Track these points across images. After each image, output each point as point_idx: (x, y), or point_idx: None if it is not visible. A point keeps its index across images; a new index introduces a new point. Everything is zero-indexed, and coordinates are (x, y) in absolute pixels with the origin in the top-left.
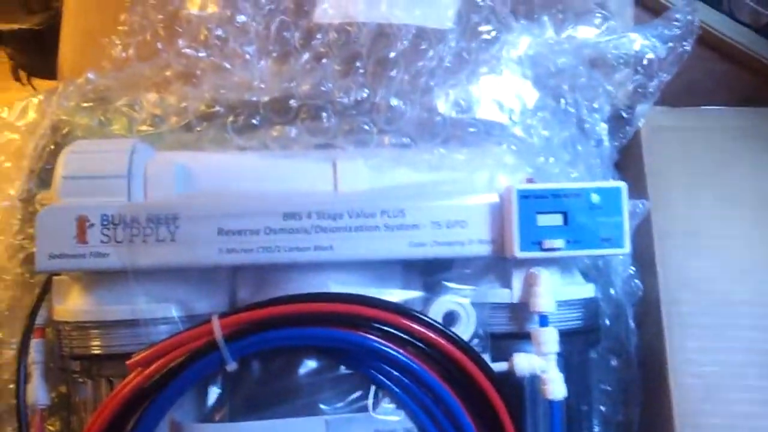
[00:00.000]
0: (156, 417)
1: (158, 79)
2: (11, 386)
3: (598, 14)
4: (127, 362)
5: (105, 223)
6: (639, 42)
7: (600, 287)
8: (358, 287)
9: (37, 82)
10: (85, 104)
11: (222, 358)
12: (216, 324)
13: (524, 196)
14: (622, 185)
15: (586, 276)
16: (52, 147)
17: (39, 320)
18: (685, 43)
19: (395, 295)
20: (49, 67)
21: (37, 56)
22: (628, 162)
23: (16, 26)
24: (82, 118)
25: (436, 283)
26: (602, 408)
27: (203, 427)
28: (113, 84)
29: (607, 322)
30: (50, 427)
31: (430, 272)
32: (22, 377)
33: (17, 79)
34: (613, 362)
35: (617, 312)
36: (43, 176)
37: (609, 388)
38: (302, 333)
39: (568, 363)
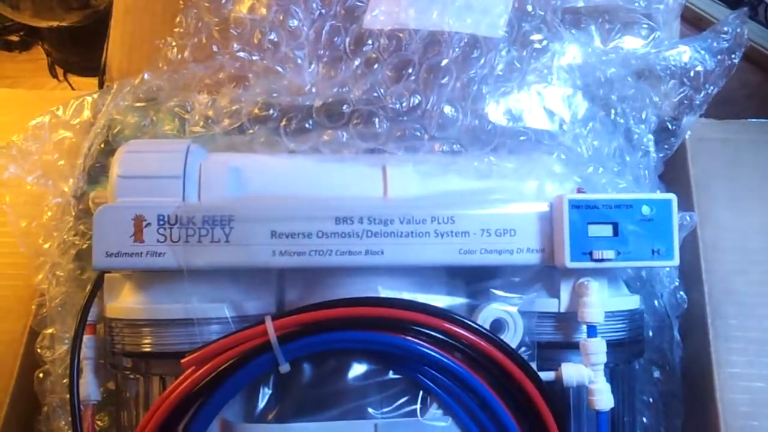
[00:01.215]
0: (209, 416)
1: (210, 81)
2: (64, 381)
3: (644, 25)
4: (182, 361)
5: (161, 222)
6: (688, 54)
7: (643, 298)
8: (405, 293)
9: (73, 78)
10: (138, 104)
11: (275, 360)
12: (270, 325)
13: (575, 206)
14: (673, 197)
15: (629, 286)
16: (102, 145)
17: (90, 317)
18: (733, 56)
19: (441, 301)
20: (86, 63)
21: (74, 53)
22: (672, 173)
23: (54, 23)
24: (133, 117)
25: (480, 291)
26: (644, 419)
27: (254, 428)
28: (165, 85)
29: (650, 333)
30: (98, 423)
31: (473, 279)
32: (75, 373)
33: (54, 75)
34: (656, 373)
35: (661, 324)
36: (92, 173)
37: (651, 400)
38: (355, 336)
39: (612, 373)
